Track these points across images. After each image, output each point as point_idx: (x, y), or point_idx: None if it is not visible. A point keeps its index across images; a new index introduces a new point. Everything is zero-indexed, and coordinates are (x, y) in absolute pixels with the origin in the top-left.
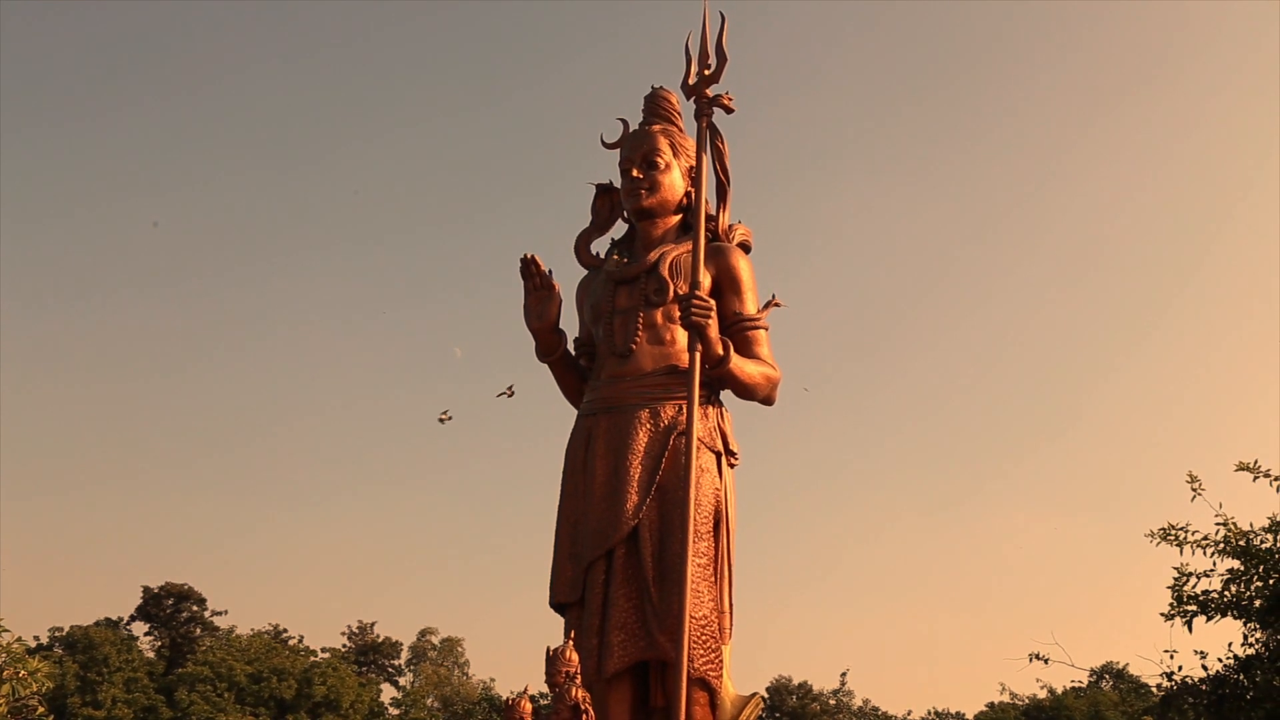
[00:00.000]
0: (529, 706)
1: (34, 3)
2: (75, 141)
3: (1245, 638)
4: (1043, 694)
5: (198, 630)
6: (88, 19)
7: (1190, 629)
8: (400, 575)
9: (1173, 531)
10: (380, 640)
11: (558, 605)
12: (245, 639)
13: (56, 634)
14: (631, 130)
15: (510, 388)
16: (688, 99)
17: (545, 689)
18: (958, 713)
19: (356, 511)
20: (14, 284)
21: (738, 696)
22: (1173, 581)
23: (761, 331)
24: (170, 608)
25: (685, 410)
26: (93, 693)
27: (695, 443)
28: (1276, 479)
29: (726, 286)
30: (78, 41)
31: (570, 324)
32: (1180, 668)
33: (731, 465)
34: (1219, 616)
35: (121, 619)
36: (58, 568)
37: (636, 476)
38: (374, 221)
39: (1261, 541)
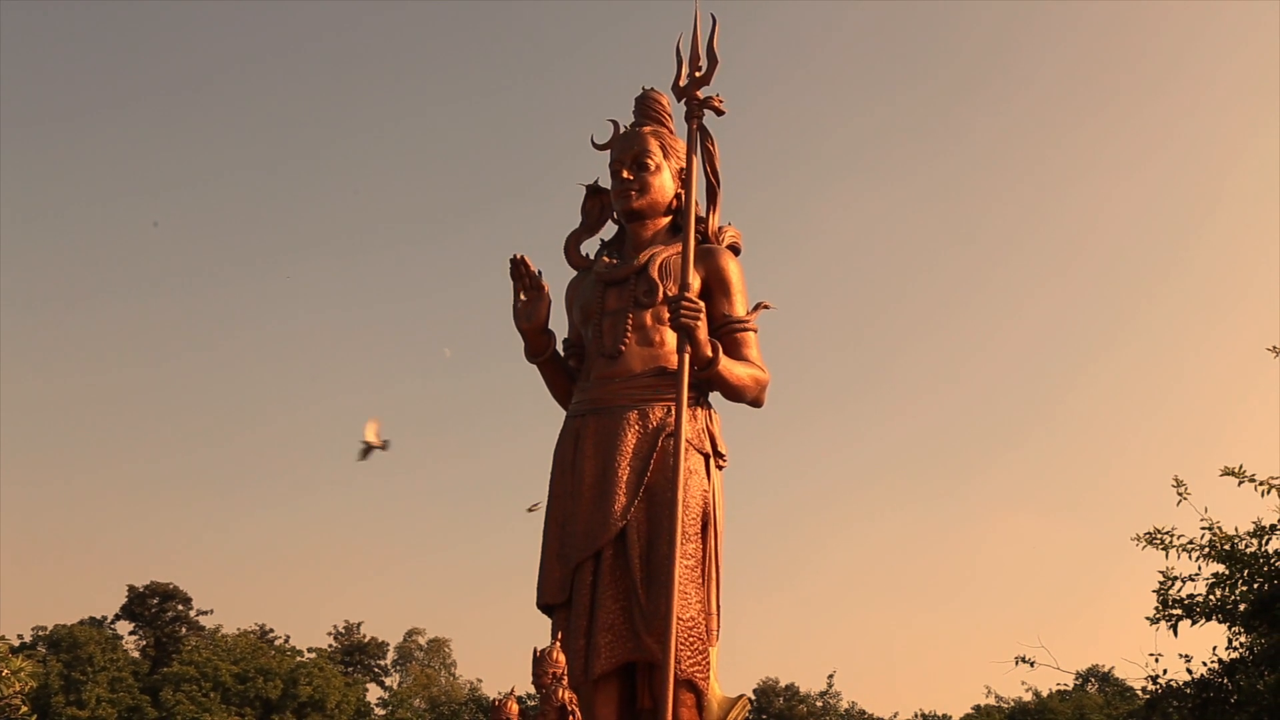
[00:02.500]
0: (516, 707)
1: (34, 3)
2: (75, 141)
3: (1230, 641)
4: (1028, 697)
5: (183, 630)
6: (87, 19)
7: (1175, 633)
8: (387, 575)
9: (1158, 535)
10: (367, 640)
11: (545, 606)
12: (231, 639)
13: (40, 633)
14: (622, 131)
15: (535, 505)
16: (678, 101)
17: (532, 690)
18: (944, 715)
19: (344, 511)
20: (8, 283)
21: (724, 698)
22: (1158, 585)
23: (750, 334)
24: (155, 607)
25: (674, 412)
26: (77, 692)
27: (683, 444)
28: (1262, 484)
29: (716, 288)
30: (78, 41)
31: (560, 325)
32: (1165, 671)
33: (720, 467)
34: (1204, 620)
35: (106, 618)
36: (42, 566)
37: (624, 478)
38: (367, 221)
39: (1246, 546)
